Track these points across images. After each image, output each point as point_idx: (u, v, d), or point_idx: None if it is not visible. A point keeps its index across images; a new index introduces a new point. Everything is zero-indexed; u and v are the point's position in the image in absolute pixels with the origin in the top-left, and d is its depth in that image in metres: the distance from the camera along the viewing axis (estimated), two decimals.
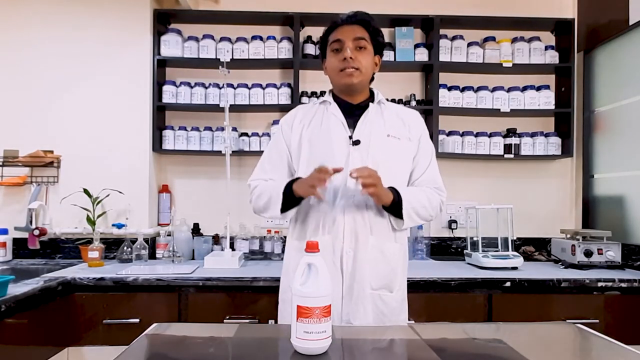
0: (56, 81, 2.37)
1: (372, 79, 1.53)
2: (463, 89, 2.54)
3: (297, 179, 1.41)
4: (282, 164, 1.52)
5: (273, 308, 1.86)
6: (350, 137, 1.43)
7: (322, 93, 2.35)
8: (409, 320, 1.51)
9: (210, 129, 2.49)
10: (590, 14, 2.59)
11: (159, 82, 2.45)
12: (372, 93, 1.54)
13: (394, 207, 1.39)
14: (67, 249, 2.36)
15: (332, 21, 1.48)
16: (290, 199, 1.40)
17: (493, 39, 2.56)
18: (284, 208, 1.42)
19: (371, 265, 1.40)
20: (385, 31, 2.62)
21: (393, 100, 2.47)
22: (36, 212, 2.24)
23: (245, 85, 2.49)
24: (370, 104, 1.49)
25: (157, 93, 2.44)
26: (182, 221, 2.46)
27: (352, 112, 1.48)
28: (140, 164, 2.39)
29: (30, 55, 2.37)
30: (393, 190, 1.39)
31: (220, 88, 2.47)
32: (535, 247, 2.55)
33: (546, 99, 2.53)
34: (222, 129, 2.38)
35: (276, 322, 1.61)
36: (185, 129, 2.49)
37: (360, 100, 1.50)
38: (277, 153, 1.53)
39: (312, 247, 0.96)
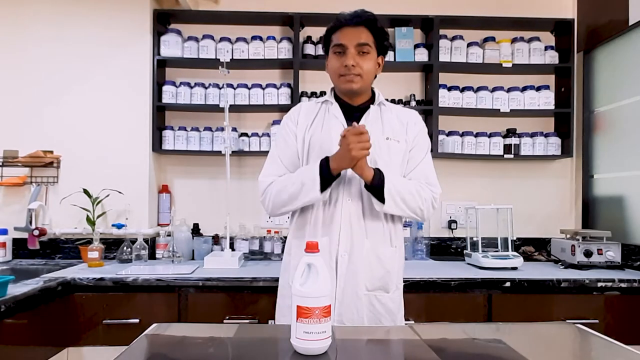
0: (56, 81, 2.37)
1: (375, 76, 1.52)
2: (463, 89, 2.54)
3: (326, 158, 1.36)
4: (292, 156, 1.49)
5: (273, 308, 1.86)
6: None
7: (322, 93, 2.36)
8: (407, 320, 1.51)
9: (210, 129, 2.49)
10: (590, 14, 2.59)
11: (158, 82, 2.45)
12: (373, 93, 1.54)
13: (377, 189, 1.36)
14: (66, 249, 2.36)
15: (336, 19, 1.46)
16: (324, 180, 1.36)
17: (493, 39, 2.56)
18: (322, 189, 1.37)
19: (365, 269, 1.40)
20: None
21: (393, 101, 2.47)
22: (36, 212, 2.24)
23: (245, 86, 2.48)
24: (371, 105, 1.50)
25: (157, 93, 2.44)
26: (182, 221, 2.46)
27: (353, 114, 1.49)
28: (140, 164, 2.39)
29: (30, 56, 2.37)
30: (376, 170, 1.37)
31: (220, 88, 2.47)
32: (535, 247, 2.55)
33: (546, 99, 2.53)
34: (222, 129, 2.38)
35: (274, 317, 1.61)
36: (185, 129, 2.49)
37: (361, 102, 1.51)
38: (286, 146, 1.50)
39: (312, 248, 0.96)
